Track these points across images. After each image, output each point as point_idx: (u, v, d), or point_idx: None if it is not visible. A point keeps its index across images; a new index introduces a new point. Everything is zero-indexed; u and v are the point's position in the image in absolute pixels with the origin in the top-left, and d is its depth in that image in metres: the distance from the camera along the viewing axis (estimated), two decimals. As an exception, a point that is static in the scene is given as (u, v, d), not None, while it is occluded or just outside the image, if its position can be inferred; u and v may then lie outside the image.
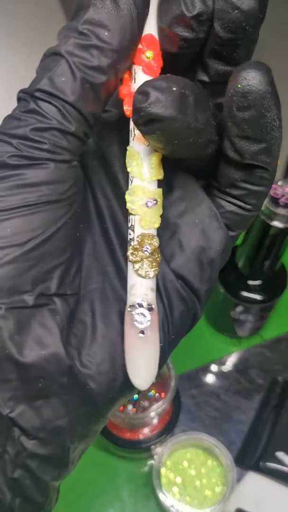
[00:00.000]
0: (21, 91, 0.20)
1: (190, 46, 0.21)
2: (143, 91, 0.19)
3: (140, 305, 0.22)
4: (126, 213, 0.24)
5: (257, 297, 0.60)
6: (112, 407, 0.23)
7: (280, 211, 0.49)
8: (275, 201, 0.49)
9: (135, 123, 0.20)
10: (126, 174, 0.24)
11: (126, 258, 0.24)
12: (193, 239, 0.24)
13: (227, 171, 0.23)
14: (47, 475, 0.21)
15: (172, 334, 0.24)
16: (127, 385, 0.23)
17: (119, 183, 0.25)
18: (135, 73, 0.22)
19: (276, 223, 0.50)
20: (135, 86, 0.21)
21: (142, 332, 0.22)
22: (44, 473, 0.21)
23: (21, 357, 0.20)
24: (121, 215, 0.25)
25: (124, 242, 0.24)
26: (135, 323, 0.22)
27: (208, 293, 0.25)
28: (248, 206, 0.23)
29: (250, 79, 0.19)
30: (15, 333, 0.20)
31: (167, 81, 0.19)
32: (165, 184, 0.23)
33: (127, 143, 0.23)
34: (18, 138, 0.19)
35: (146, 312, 0.22)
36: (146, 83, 0.19)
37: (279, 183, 0.49)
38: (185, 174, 0.25)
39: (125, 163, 0.23)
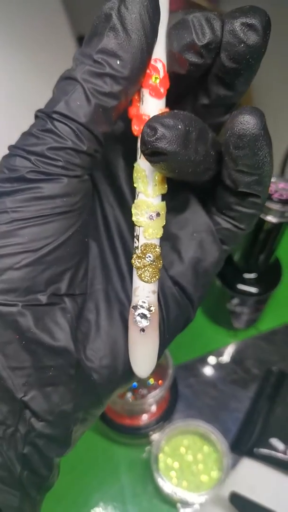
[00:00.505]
0: (39, 110, 0.22)
1: (197, 70, 0.23)
2: (152, 126, 0.21)
3: (142, 306, 0.25)
4: (130, 222, 0.26)
5: (253, 289, 0.61)
6: (111, 396, 0.26)
7: (274, 206, 0.50)
8: (269, 196, 0.50)
9: (142, 152, 0.22)
10: (131, 186, 0.26)
11: (130, 264, 0.26)
12: (190, 250, 0.27)
13: (223, 196, 0.25)
14: (52, 452, 0.24)
15: (166, 334, 0.27)
16: (125, 377, 0.25)
17: (124, 194, 0.27)
18: (142, 95, 0.23)
19: (270, 218, 0.51)
20: (142, 107, 0.23)
21: (143, 330, 0.25)
22: (50, 450, 0.23)
23: (36, 348, 0.22)
24: (125, 224, 0.27)
25: (127, 248, 0.27)
26: (136, 322, 0.24)
27: (201, 299, 0.28)
28: (241, 226, 0.26)
29: (245, 123, 0.21)
30: (31, 328, 0.22)
31: (174, 118, 0.21)
32: (169, 200, 0.25)
33: (131, 155, 0.25)
34: (36, 155, 0.21)
35: (146, 312, 0.25)
36: (155, 119, 0.21)
37: (273, 179, 0.50)
38: (187, 192, 0.27)
39: (130, 175, 0.25)
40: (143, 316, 0.24)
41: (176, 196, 0.27)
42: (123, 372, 0.25)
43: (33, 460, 0.23)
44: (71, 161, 0.21)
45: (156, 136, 0.20)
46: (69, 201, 0.22)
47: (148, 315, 0.24)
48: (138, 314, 0.24)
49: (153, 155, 0.21)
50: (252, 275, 0.61)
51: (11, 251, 0.21)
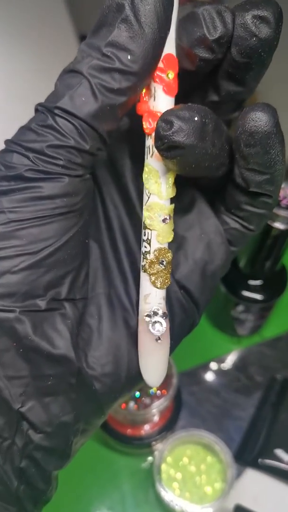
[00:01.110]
0: (40, 104, 0.21)
1: (207, 65, 0.22)
2: (167, 120, 0.20)
3: (156, 314, 0.24)
4: (134, 224, 0.26)
5: (258, 296, 0.60)
6: (113, 405, 0.25)
7: (282, 212, 0.49)
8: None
9: (157, 148, 0.21)
10: (138, 185, 0.25)
11: (133, 266, 0.25)
12: (198, 252, 0.26)
13: (234, 194, 0.24)
14: (50, 465, 0.23)
15: (171, 340, 0.25)
16: (128, 385, 0.25)
17: (129, 194, 0.26)
18: (154, 91, 0.22)
19: (278, 225, 0.50)
20: (154, 104, 0.22)
21: (159, 338, 0.24)
22: (48, 463, 0.22)
23: (34, 356, 0.21)
24: (129, 225, 0.26)
25: (130, 250, 0.26)
26: (152, 330, 0.24)
27: (207, 303, 0.27)
28: (250, 226, 0.25)
29: (257, 120, 0.20)
30: (29, 335, 0.21)
31: (190, 111, 0.20)
32: (176, 199, 0.24)
33: (138, 153, 0.24)
34: (34, 153, 0.20)
35: (162, 320, 0.24)
36: (170, 112, 0.20)
37: (282, 185, 0.49)
38: (194, 191, 0.26)
39: (136, 174, 0.24)
40: (159, 324, 0.24)
41: (182, 196, 0.26)
42: (126, 380, 0.24)
43: (31, 474, 0.22)
44: (72, 160, 0.20)
45: (173, 129, 0.20)
46: (70, 201, 0.21)
47: (164, 323, 0.24)
48: (155, 322, 0.24)
49: (169, 150, 0.20)
50: (257, 282, 0.60)
51: (9, 253, 0.20)
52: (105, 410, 0.25)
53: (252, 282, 0.60)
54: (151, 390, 0.57)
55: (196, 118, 0.20)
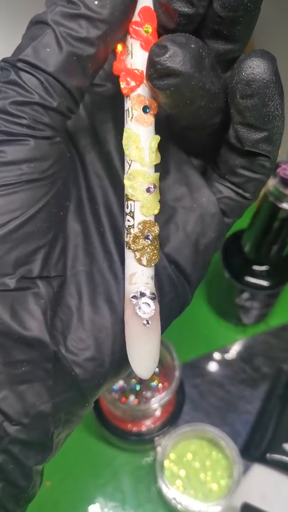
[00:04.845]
0: (3, 60, 0.19)
1: (188, 22, 0.20)
2: (161, 45, 0.19)
3: (143, 295, 0.22)
4: (119, 195, 0.24)
5: (264, 283, 0.58)
6: (98, 392, 0.23)
7: (290, 192, 0.47)
8: (285, 182, 0.47)
9: (149, 78, 0.20)
10: (121, 154, 0.24)
11: (118, 241, 0.24)
12: (190, 224, 0.24)
13: (228, 158, 0.23)
14: (31, 460, 0.21)
15: (161, 322, 0.24)
16: (113, 371, 0.23)
17: (112, 162, 0.25)
18: (131, 48, 0.21)
19: (286, 205, 0.48)
20: (132, 62, 0.21)
21: (147, 322, 0.22)
22: (27, 458, 0.21)
23: (4, 340, 0.20)
24: (113, 196, 0.25)
25: (115, 223, 0.25)
26: (139, 313, 0.22)
27: (199, 280, 0.26)
28: (247, 194, 0.24)
29: (254, 67, 0.19)
30: None
31: (186, 37, 0.19)
32: (162, 167, 0.23)
33: (122, 120, 0.22)
34: None
35: (150, 301, 0.22)
36: (164, 37, 0.19)
37: (289, 162, 0.47)
38: (183, 158, 0.25)
39: (120, 141, 0.23)
40: (147, 305, 0.22)
41: (171, 164, 0.25)
42: (110, 365, 0.23)
43: (9, 470, 0.21)
44: (38, 119, 0.19)
45: (168, 54, 0.18)
46: (38, 167, 0.20)
47: (152, 304, 0.22)
48: (143, 304, 0.22)
49: (163, 79, 0.19)
50: (263, 268, 0.58)
51: None
52: (89, 398, 0.23)
53: (258, 268, 0.58)
54: (152, 383, 0.55)
55: (192, 46, 0.19)
